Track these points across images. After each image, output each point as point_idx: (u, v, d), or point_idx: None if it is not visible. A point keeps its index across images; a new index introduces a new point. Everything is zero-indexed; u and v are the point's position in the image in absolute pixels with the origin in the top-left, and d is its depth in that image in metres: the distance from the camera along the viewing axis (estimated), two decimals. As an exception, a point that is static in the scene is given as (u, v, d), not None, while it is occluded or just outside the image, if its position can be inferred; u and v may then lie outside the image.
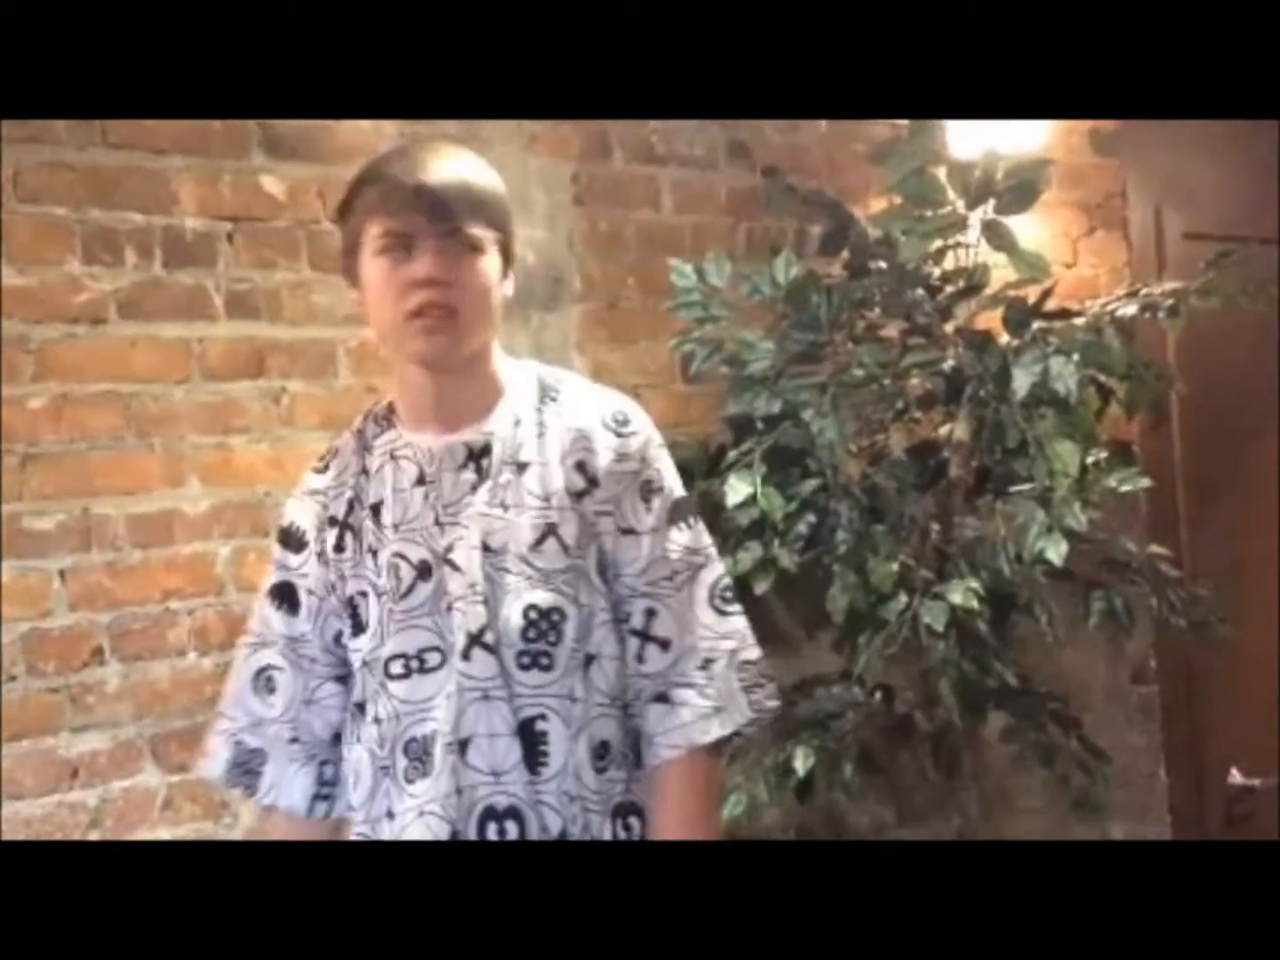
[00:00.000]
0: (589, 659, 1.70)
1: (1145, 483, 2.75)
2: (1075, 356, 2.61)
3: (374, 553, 1.74)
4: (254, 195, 2.65)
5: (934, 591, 2.58)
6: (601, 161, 3.08)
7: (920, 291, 2.83)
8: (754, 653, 1.77)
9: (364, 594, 1.74)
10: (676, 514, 1.77)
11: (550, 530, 1.70)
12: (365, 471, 1.78)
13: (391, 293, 1.67)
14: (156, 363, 2.55)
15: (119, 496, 2.50)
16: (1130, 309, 2.72)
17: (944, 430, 2.79)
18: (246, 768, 1.81)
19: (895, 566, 2.59)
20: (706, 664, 1.73)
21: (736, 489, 2.57)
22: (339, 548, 1.77)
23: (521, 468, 1.72)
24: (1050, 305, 2.82)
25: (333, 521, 1.78)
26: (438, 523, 1.71)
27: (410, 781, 1.68)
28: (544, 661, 1.67)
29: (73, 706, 2.43)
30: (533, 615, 1.68)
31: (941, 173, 2.84)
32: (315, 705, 1.81)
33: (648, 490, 1.75)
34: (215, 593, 2.59)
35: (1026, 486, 2.64)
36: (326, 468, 1.82)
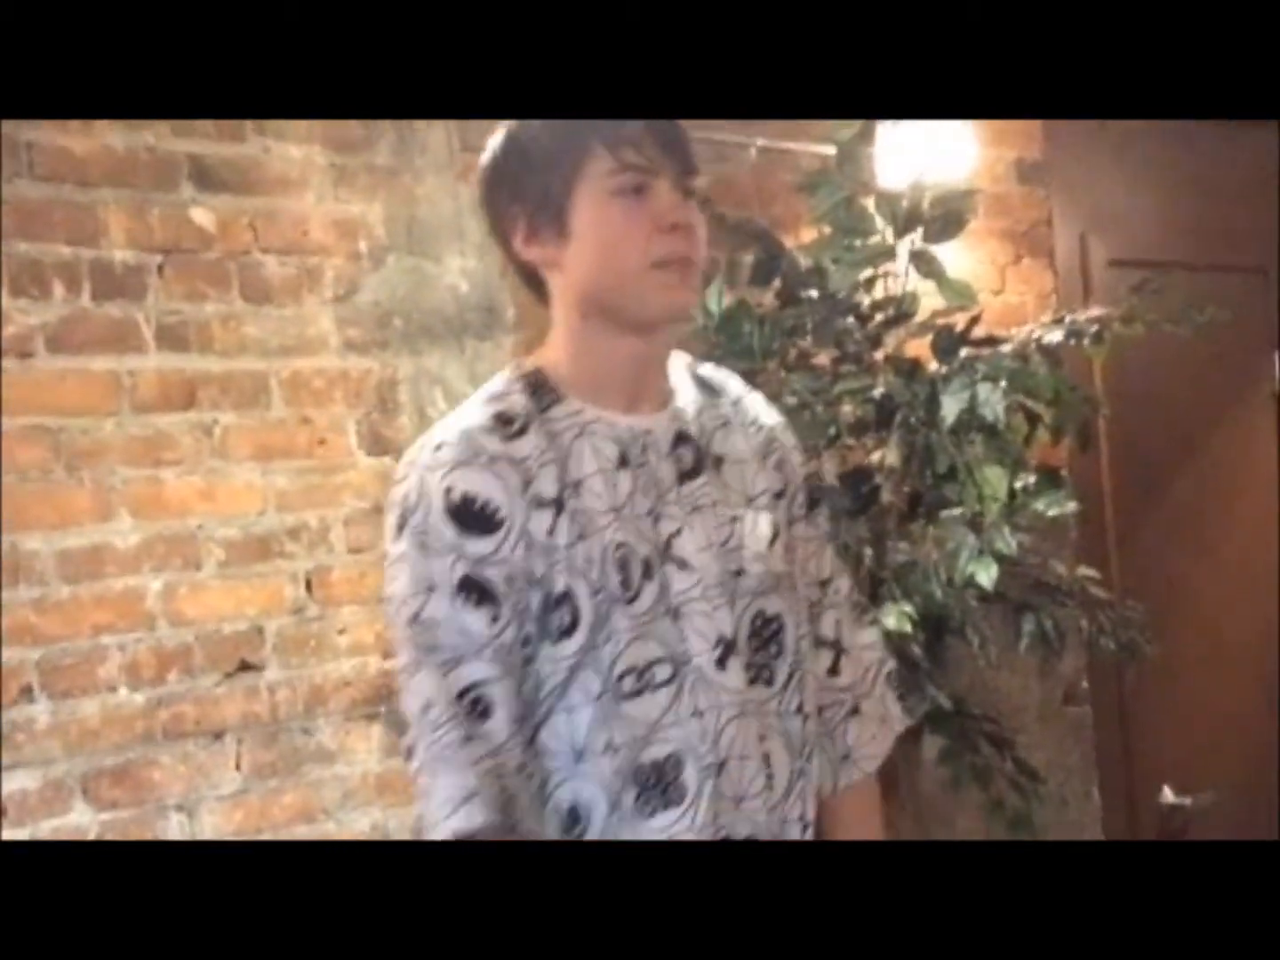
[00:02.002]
0: (803, 673, 1.58)
1: (1073, 506, 2.79)
2: (1003, 383, 2.64)
3: (585, 539, 1.45)
4: (184, 227, 2.65)
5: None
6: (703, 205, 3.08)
7: (850, 320, 2.86)
8: (892, 663, 1.73)
9: (575, 590, 1.44)
10: (828, 519, 1.75)
11: (778, 531, 1.57)
12: (555, 444, 1.47)
13: (635, 238, 1.43)
14: (86, 396, 2.53)
15: (47, 531, 2.48)
16: (1056, 336, 2.76)
17: (876, 456, 2.82)
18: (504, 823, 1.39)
19: (829, 592, 2.61)
20: (867, 674, 1.69)
21: (670, 517, 2.58)
22: (551, 531, 1.44)
23: (718, 461, 1.56)
24: (978, 332, 2.85)
25: (541, 500, 1.44)
26: (651, 513, 1.49)
27: (651, 814, 1.44)
28: (767, 675, 1.53)
29: (1, 744, 2.40)
30: (758, 623, 1.53)
31: (870, 203, 2.88)
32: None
33: (811, 496, 1.68)
34: (146, 627, 2.57)
35: (957, 511, 2.67)
36: (522, 431, 1.45)
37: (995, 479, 2.60)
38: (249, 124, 2.71)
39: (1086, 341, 2.75)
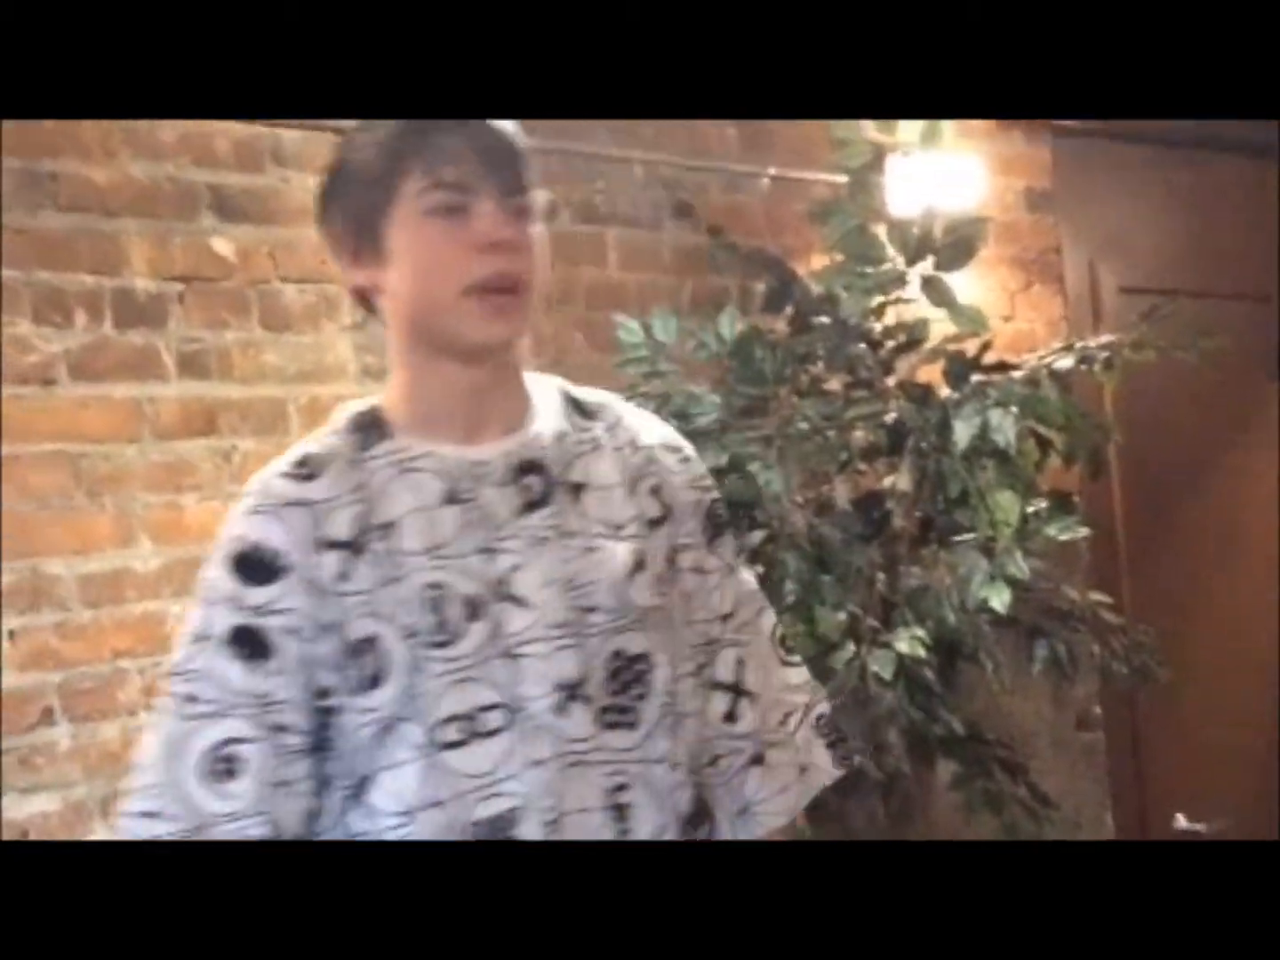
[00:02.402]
0: (676, 717, 1.43)
1: (1085, 531, 2.80)
2: (1014, 409, 2.67)
3: (393, 583, 1.36)
4: (204, 256, 2.68)
5: (881, 640, 2.62)
6: (548, 221, 3.12)
7: (862, 346, 2.89)
8: (826, 705, 1.57)
9: (379, 636, 1.35)
10: (740, 550, 1.58)
11: (642, 562, 1.43)
12: (364, 486, 1.39)
13: (448, 262, 1.34)
14: (107, 422, 2.56)
15: (69, 556, 2.50)
16: (1067, 362, 2.79)
17: (887, 481, 2.84)
18: None
19: (843, 616, 2.63)
20: (786, 719, 1.52)
21: (685, 541, 2.60)
22: (343, 576, 1.36)
23: (576, 489, 1.43)
24: (989, 358, 2.88)
25: (331, 543, 1.36)
26: (484, 549, 1.38)
27: None
28: (629, 719, 1.39)
29: (22, 768, 2.42)
30: (618, 663, 1.39)
31: (881, 230, 2.91)
32: (288, 790, 1.35)
33: (716, 522, 1.51)
34: (166, 652, 2.57)
35: (969, 536, 2.69)
36: (312, 475, 1.39)
37: (1007, 504, 2.62)
38: (268, 154, 2.75)
39: (1098, 368, 2.78)
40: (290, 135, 2.77)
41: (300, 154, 2.78)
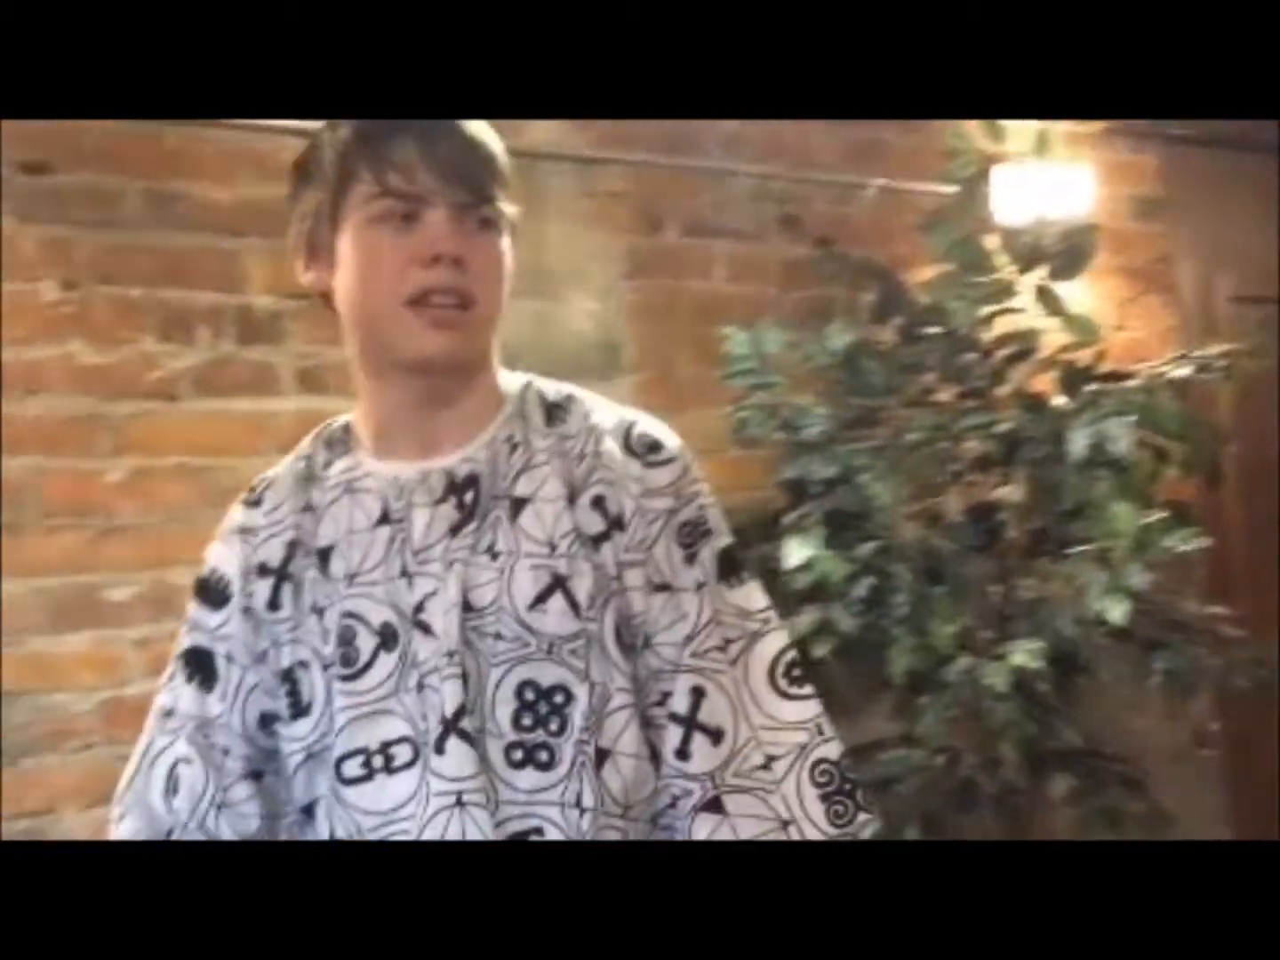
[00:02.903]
0: (601, 755, 1.27)
1: (1204, 542, 2.76)
2: (1130, 418, 2.63)
3: (320, 612, 1.32)
4: (321, 273, 2.73)
5: (995, 653, 2.60)
6: (654, 235, 3.15)
7: (972, 356, 2.87)
8: (833, 749, 1.32)
9: (305, 665, 1.32)
10: (727, 565, 1.35)
11: (557, 584, 1.28)
12: (310, 508, 1.36)
13: (390, 271, 1.27)
14: (229, 436, 2.61)
15: (193, 567, 2.55)
16: (1184, 371, 2.75)
17: (1000, 492, 2.82)
18: None
19: (955, 628, 2.61)
20: (769, 762, 1.30)
21: (795, 552, 2.61)
22: (274, 604, 1.34)
23: (517, 504, 1.31)
24: (1102, 368, 2.85)
25: (264, 570, 1.35)
26: (405, 573, 1.30)
27: None
28: (542, 757, 1.26)
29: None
30: (529, 695, 1.27)
31: (990, 240, 2.89)
32: (227, 812, 1.35)
33: (689, 534, 1.33)
34: (285, 661, 2.64)
35: (1085, 547, 2.66)
36: (258, 501, 1.39)
37: (1123, 515, 2.58)
38: (383, 173, 2.79)
39: (1215, 377, 2.74)
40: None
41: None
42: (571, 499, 1.31)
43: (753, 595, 1.36)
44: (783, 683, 1.33)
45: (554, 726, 1.27)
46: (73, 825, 2.40)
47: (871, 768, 2.72)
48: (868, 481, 2.66)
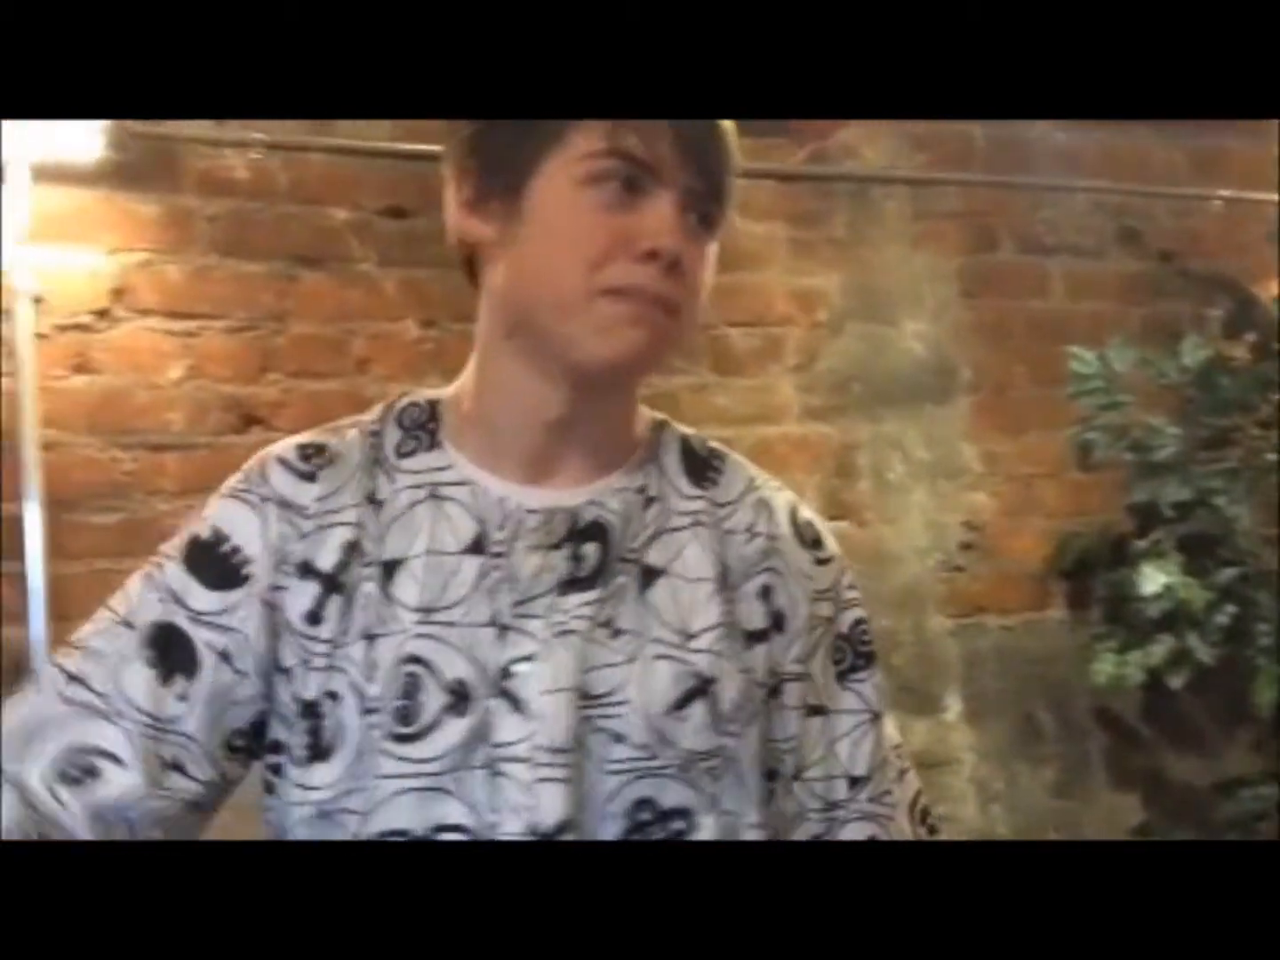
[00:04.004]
0: None
1: None
2: None
3: (370, 640, 1.03)
4: (658, 304, 2.79)
5: (1370, 686, 2.43)
6: (988, 253, 3.09)
7: (1335, 371, 2.71)
8: None
9: (335, 698, 1.03)
10: (884, 692, 1.15)
11: (702, 687, 1.03)
12: (375, 501, 1.06)
13: (595, 250, 1.00)
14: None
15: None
16: None
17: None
18: None
19: (1325, 659, 2.46)
20: None
21: (1151, 578, 2.51)
22: (315, 616, 1.04)
23: (649, 574, 1.05)
24: None
25: (307, 570, 1.05)
26: (496, 623, 1.03)
27: None
28: None
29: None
30: (644, 816, 1.02)
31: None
32: (163, 834, 1.05)
33: (858, 650, 1.13)
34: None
35: None
36: (313, 473, 1.07)
37: None
38: (717, 203, 2.84)
39: None
40: (737, 184, 2.85)
41: (745, 203, 2.85)
42: (724, 582, 1.07)
43: (893, 728, 1.15)
44: (921, 831, 1.15)
45: None
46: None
47: (1233, 805, 2.59)
48: (1225, 504, 2.53)
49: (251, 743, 1.06)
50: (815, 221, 2.93)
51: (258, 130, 2.44)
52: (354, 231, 2.54)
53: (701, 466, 1.12)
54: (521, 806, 1.00)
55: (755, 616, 1.07)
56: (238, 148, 2.45)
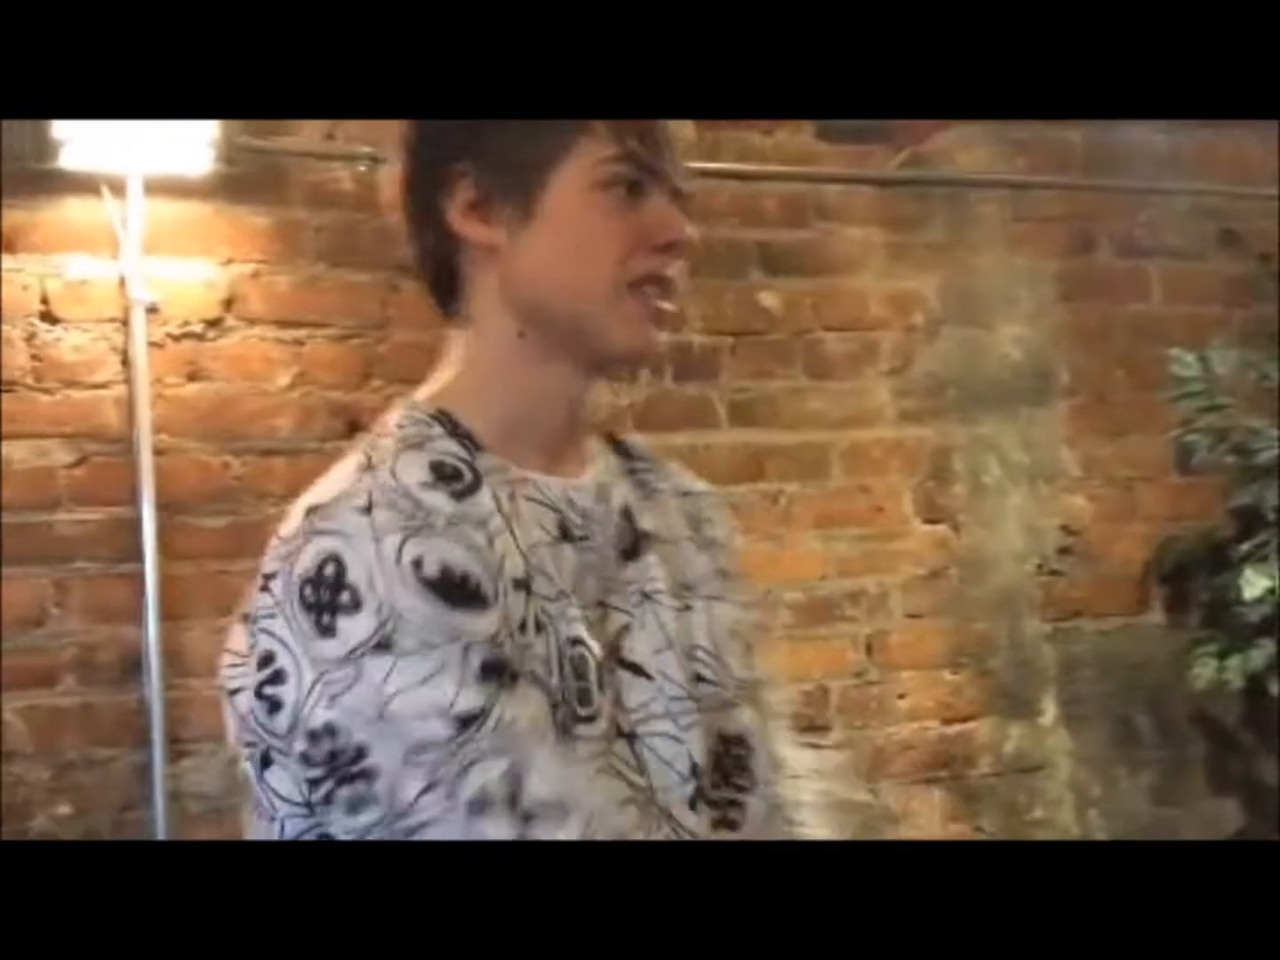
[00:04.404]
0: (773, 811, 1.16)
1: None
2: None
3: (540, 630, 1.06)
4: (752, 310, 2.82)
5: None
6: (1086, 256, 3.08)
7: None
8: None
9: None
10: None
11: (736, 624, 1.17)
12: (497, 505, 1.09)
13: (618, 245, 1.08)
14: (668, 469, 2.72)
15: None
16: None
17: None
18: None
19: None
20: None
21: (1253, 583, 2.49)
22: (524, 622, 1.05)
23: (653, 539, 1.16)
24: None
25: (514, 579, 1.05)
26: (600, 603, 1.10)
27: None
28: (733, 817, 1.13)
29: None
30: (720, 748, 1.12)
31: None
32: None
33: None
34: (723, 686, 2.72)
35: None
36: (474, 487, 1.07)
37: None
38: (812, 209, 2.86)
39: None
40: (831, 189, 2.87)
41: (843, 207, 2.88)
42: (700, 541, 1.18)
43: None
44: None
45: (743, 781, 1.13)
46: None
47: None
48: (1329, 509, 2.50)
49: None
50: (911, 226, 2.93)
51: (363, 144, 2.51)
52: (455, 240, 2.60)
53: (622, 445, 1.20)
54: (669, 758, 1.08)
55: (718, 559, 1.19)
56: (344, 161, 2.51)
